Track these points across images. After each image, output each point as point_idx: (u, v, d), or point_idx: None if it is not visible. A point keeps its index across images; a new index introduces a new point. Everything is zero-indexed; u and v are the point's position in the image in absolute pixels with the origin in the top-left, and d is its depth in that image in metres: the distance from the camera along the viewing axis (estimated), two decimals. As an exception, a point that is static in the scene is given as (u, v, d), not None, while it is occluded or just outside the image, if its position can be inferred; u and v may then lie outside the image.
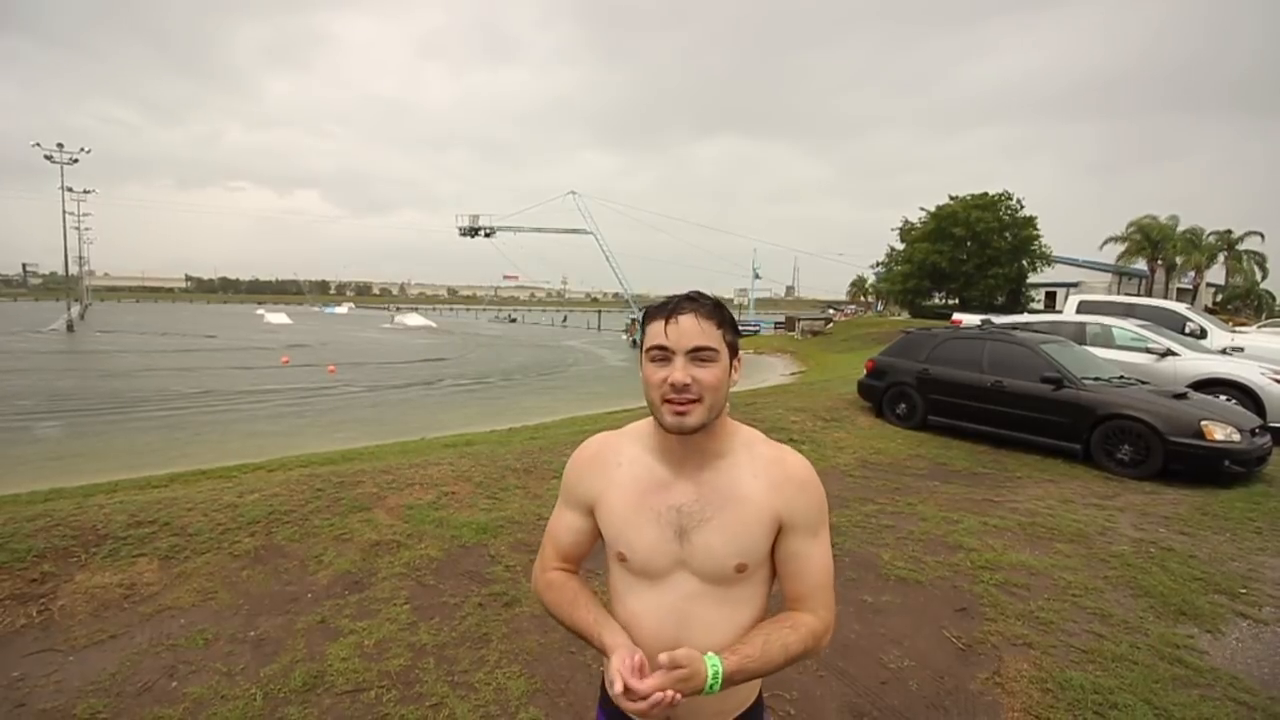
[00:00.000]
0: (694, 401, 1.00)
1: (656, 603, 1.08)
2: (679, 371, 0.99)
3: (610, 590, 1.17)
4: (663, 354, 1.01)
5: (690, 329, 1.00)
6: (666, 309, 1.03)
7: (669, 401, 1.00)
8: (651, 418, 1.08)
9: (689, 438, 1.04)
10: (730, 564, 1.05)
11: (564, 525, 1.19)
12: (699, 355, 1.00)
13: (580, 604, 1.11)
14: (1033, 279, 33.38)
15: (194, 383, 17.70)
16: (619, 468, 1.13)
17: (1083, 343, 8.50)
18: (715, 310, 1.03)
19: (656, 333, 1.02)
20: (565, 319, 68.95)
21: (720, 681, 0.93)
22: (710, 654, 0.96)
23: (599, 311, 75.44)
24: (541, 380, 20.94)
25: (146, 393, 15.66)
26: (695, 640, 1.03)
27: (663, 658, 0.91)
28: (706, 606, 1.07)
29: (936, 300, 35.73)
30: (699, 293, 1.06)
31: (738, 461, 1.08)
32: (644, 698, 0.90)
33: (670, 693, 0.90)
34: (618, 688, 0.92)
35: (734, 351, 1.06)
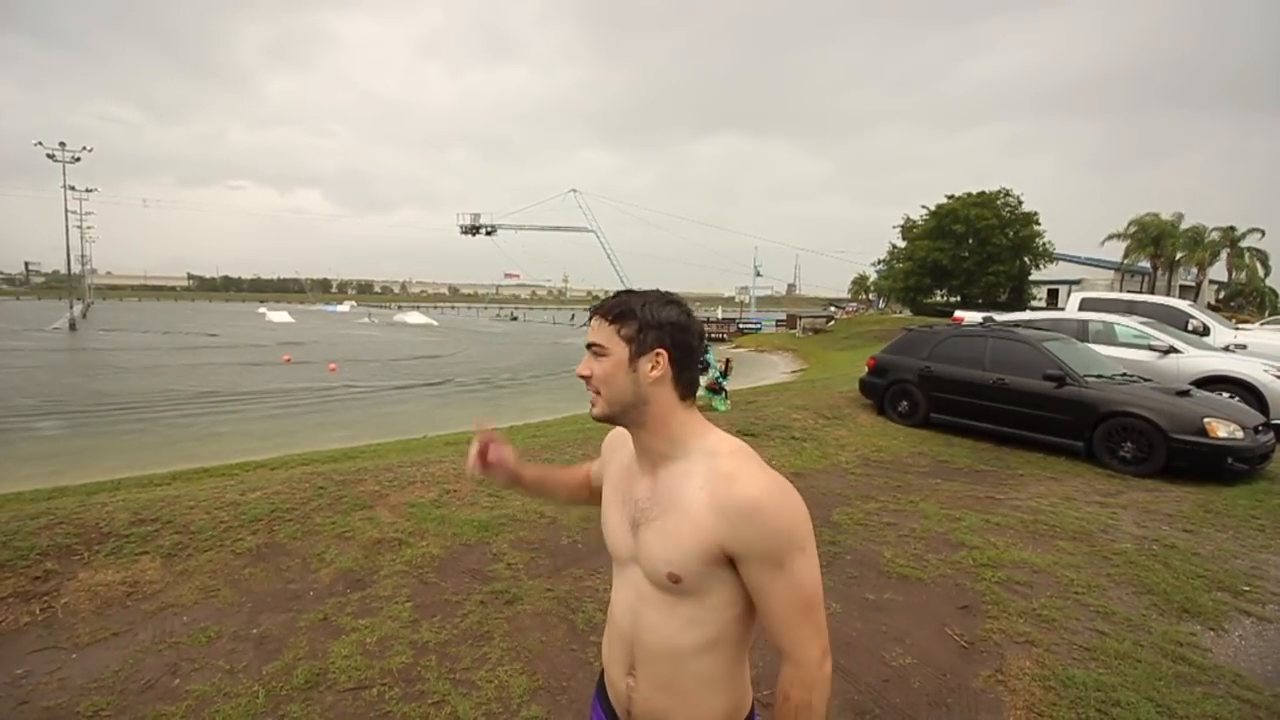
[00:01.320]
0: (595, 393, 1.08)
1: (622, 594, 1.13)
2: (581, 364, 1.09)
3: None
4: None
5: (590, 330, 1.10)
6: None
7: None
8: None
9: (639, 436, 1.09)
10: (663, 570, 1.02)
11: (595, 463, 1.37)
12: (593, 351, 1.07)
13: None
14: (1035, 276, 33.32)
15: (196, 382, 17.73)
16: (620, 450, 1.21)
17: (1085, 340, 8.46)
18: (612, 311, 1.07)
19: None
20: (574, 317, 68.26)
21: None
22: None
23: (573, 311, 75.42)
24: (550, 379, 20.93)
25: (148, 392, 15.69)
26: (644, 642, 1.07)
27: None
28: (656, 611, 1.05)
29: (938, 298, 35.68)
30: (618, 294, 1.11)
31: (691, 468, 1.04)
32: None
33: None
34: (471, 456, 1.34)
35: (640, 346, 1.03)
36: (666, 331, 1.04)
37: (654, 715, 1.07)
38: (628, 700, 1.11)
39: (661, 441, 1.06)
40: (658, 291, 1.09)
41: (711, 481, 1.00)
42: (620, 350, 1.04)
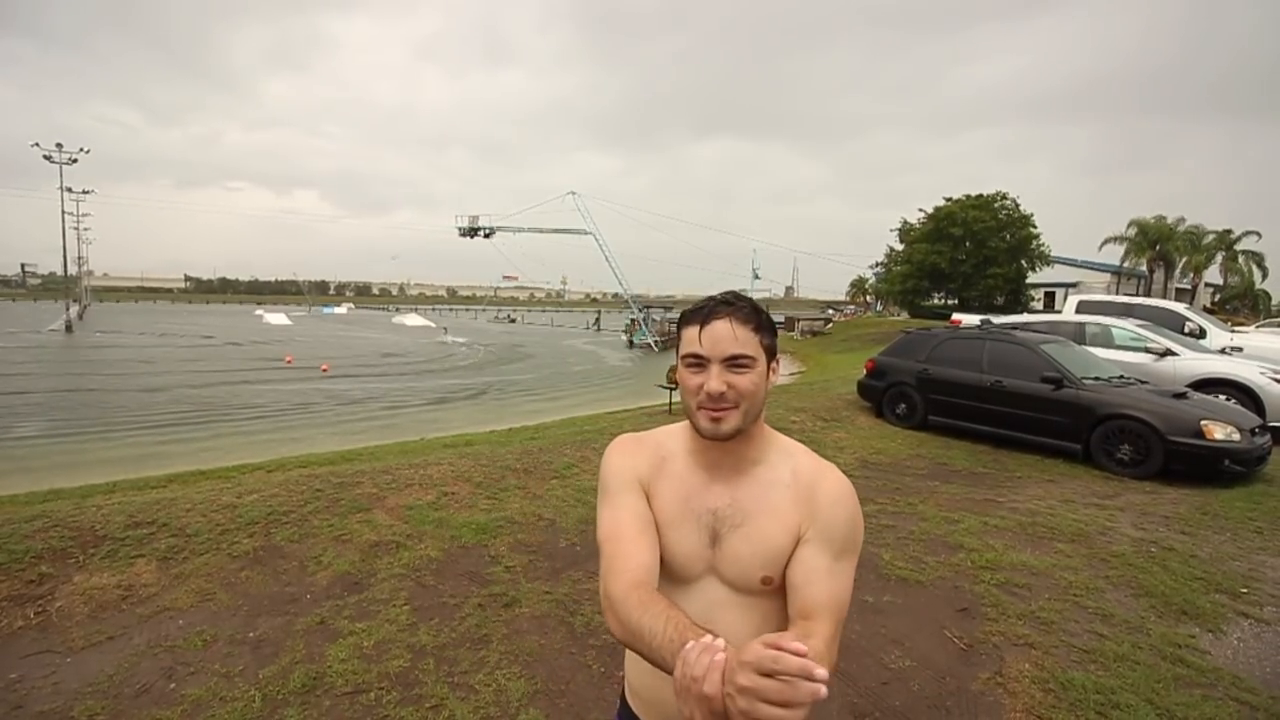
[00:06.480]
0: (730, 408, 0.97)
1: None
2: (714, 380, 0.96)
3: None
4: (697, 362, 0.98)
5: (725, 337, 0.96)
6: (702, 313, 0.99)
7: (704, 408, 0.97)
8: (687, 420, 1.05)
9: (733, 446, 1.02)
10: (756, 575, 1.00)
11: (631, 512, 1.02)
12: (735, 363, 0.96)
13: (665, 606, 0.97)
14: (1031, 279, 33.40)
15: (188, 383, 17.69)
16: (666, 460, 1.08)
17: (1082, 342, 8.50)
18: (753, 314, 0.99)
19: (691, 339, 0.98)
20: (597, 321, 65.41)
21: None
22: None
23: (598, 312, 75.51)
24: (562, 382, 20.92)
25: (143, 395, 15.65)
26: None
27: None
28: (733, 615, 1.02)
29: (936, 300, 35.74)
30: (735, 294, 1.02)
31: (775, 468, 1.04)
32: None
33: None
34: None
35: (771, 354, 1.02)
36: (776, 339, 1.04)
37: None
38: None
39: (754, 448, 1.04)
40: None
41: (798, 478, 1.03)
42: (763, 361, 0.99)
